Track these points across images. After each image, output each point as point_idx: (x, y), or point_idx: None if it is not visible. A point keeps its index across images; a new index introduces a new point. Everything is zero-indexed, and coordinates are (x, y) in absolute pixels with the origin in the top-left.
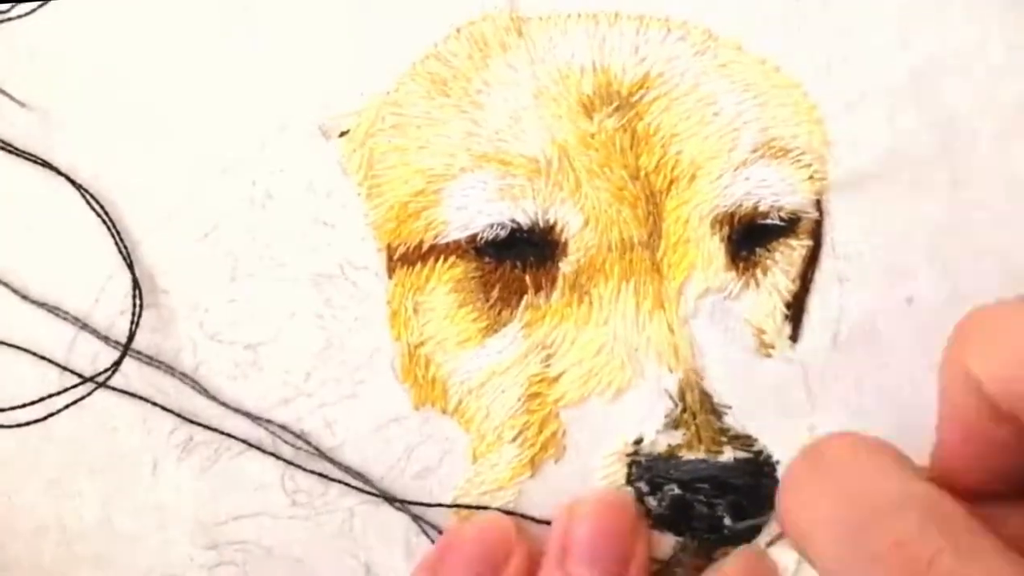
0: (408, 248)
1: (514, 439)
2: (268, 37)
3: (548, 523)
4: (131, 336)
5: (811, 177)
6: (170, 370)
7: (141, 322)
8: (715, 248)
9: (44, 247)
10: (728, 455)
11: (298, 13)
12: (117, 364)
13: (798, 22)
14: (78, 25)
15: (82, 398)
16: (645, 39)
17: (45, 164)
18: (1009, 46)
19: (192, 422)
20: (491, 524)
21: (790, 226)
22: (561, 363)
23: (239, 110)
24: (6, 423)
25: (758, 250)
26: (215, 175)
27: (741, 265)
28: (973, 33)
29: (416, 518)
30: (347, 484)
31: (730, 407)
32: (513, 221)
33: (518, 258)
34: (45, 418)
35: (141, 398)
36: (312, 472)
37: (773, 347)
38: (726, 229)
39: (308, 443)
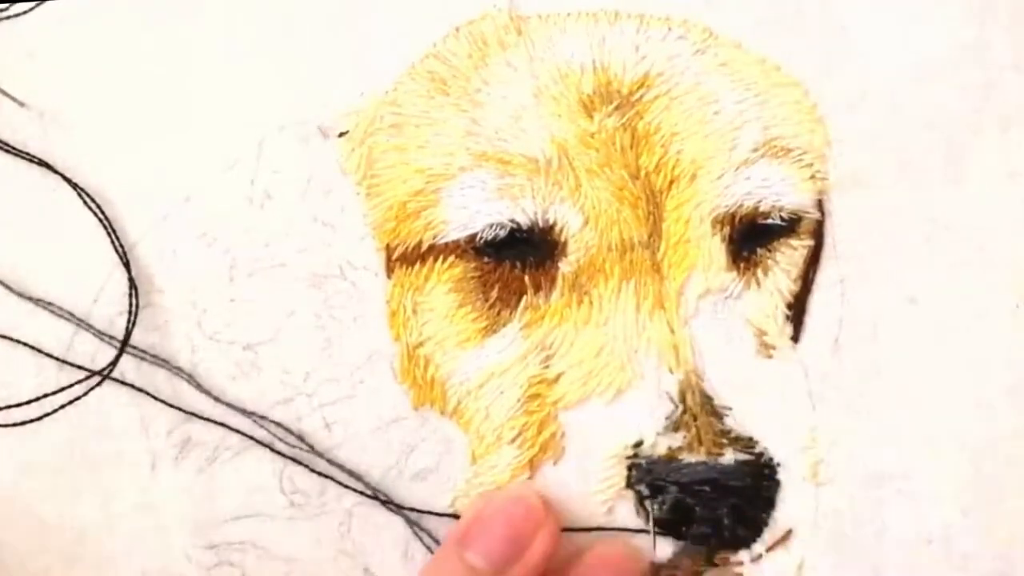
0: (407, 248)
1: (513, 440)
2: (267, 37)
3: None
4: (128, 333)
5: (812, 177)
6: (167, 365)
7: (139, 322)
8: (716, 248)
9: (43, 247)
10: (729, 457)
11: (297, 13)
12: (116, 359)
13: (798, 21)
14: (77, 25)
15: (80, 397)
16: (645, 38)
17: (42, 163)
18: (1009, 45)
19: (189, 413)
20: (520, 497)
21: (791, 226)
22: (560, 364)
23: (238, 110)
24: (6, 422)
25: (759, 250)
26: (214, 174)
27: (742, 265)
28: (973, 33)
29: (411, 523)
30: (345, 486)
31: (731, 409)
32: (512, 221)
33: (517, 258)
34: (42, 417)
35: (139, 389)
36: (312, 471)
37: (774, 348)
38: (727, 229)
39: (307, 443)
